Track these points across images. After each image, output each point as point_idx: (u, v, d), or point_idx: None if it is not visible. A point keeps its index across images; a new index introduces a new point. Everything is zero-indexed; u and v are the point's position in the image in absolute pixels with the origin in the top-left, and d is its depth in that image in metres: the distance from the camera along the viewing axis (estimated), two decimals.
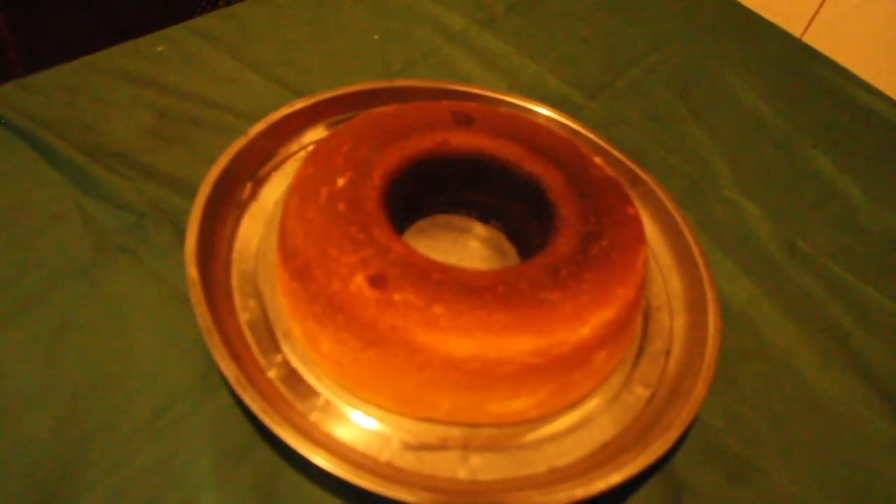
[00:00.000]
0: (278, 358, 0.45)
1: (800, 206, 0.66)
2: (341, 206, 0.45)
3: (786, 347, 0.54)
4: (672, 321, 0.52)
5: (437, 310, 0.41)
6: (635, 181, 0.59)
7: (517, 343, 0.42)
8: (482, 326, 0.41)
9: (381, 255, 0.43)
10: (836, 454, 0.48)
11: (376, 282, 0.42)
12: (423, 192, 0.53)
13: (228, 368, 0.41)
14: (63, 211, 0.51)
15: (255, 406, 0.40)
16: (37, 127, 0.54)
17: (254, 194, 0.53)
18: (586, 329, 0.43)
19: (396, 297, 0.41)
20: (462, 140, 0.54)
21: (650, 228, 0.57)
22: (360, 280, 0.42)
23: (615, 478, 0.41)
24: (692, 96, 0.76)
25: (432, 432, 0.44)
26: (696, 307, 0.52)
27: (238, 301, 0.47)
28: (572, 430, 0.46)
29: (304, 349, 0.46)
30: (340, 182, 0.48)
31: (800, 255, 0.61)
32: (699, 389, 0.46)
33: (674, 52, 0.82)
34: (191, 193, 0.48)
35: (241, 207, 0.52)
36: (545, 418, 0.46)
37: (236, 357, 0.42)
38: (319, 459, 0.39)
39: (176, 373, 0.44)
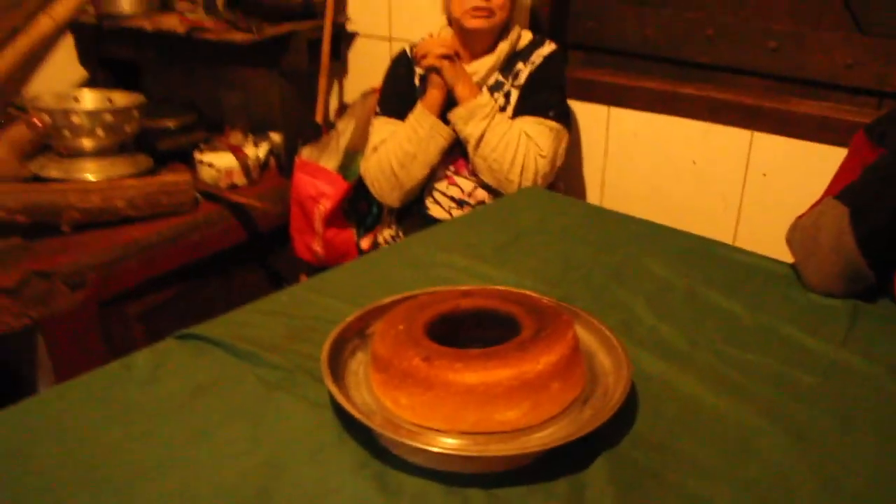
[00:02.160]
0: (377, 420, 0.83)
1: (696, 320, 1.05)
2: (402, 335, 0.86)
3: (691, 393, 0.90)
4: (607, 380, 0.88)
5: (457, 365, 0.80)
6: (580, 317, 0.98)
7: (502, 373, 0.80)
8: (482, 367, 0.80)
9: (425, 349, 0.82)
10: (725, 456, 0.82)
11: (425, 359, 0.81)
12: (448, 331, 0.93)
13: (361, 419, 0.79)
14: (243, 375, 0.93)
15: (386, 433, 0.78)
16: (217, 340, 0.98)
17: (353, 351, 0.94)
18: (540, 365, 0.81)
19: (436, 363, 0.80)
20: (466, 303, 0.95)
21: (592, 340, 0.95)
22: (417, 360, 0.82)
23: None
24: (623, 276, 1.18)
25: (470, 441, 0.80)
26: (618, 370, 0.88)
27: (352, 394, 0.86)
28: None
29: (391, 410, 0.83)
30: (400, 327, 0.89)
31: (701, 345, 0.99)
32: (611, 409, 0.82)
33: (609, 255, 1.26)
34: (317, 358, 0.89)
35: (346, 360, 0.92)
36: (531, 429, 0.81)
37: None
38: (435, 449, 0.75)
39: (330, 452, 0.82)
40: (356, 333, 0.97)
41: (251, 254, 2.18)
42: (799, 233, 1.19)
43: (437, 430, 0.80)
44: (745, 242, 1.66)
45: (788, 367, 0.97)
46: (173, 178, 2.08)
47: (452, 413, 0.80)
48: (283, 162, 2.34)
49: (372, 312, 0.99)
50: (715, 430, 0.85)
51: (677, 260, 1.26)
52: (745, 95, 1.75)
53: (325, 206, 2.02)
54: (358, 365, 0.92)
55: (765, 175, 1.70)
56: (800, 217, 1.21)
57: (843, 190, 1.14)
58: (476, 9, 1.72)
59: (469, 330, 0.95)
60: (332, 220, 2.04)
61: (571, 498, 0.75)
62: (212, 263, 2.07)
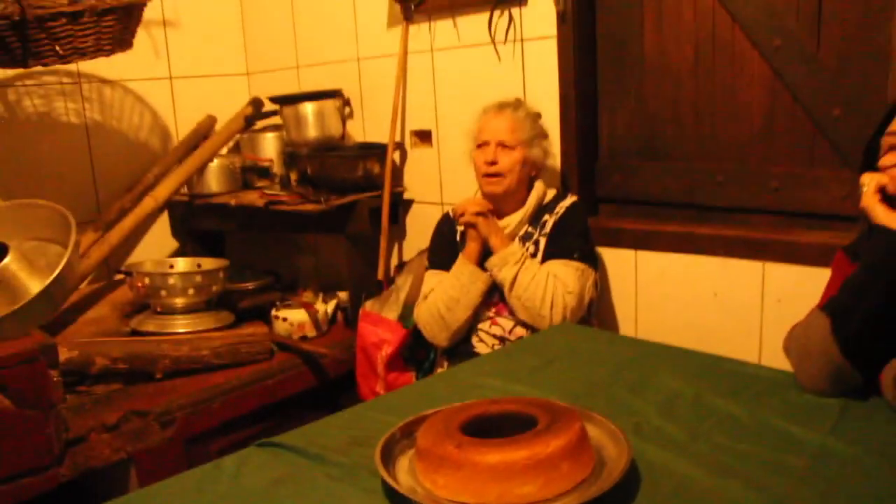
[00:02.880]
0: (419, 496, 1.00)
1: (699, 419, 1.20)
2: (440, 431, 1.05)
3: (688, 474, 1.05)
4: (613, 465, 1.05)
5: (482, 449, 0.99)
6: (592, 418, 1.15)
7: (518, 454, 0.98)
8: (502, 450, 0.98)
9: (457, 440, 1.01)
10: None
11: (457, 446, 1.00)
12: (478, 430, 1.12)
13: (408, 494, 0.97)
14: (312, 471, 1.12)
15: None
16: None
17: (402, 450, 1.13)
18: (550, 448, 0.99)
19: (465, 448, 0.99)
20: (494, 408, 1.14)
21: (601, 435, 1.12)
22: (450, 447, 1.01)
23: None
24: (638, 389, 1.35)
25: None
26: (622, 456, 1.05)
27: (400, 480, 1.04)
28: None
29: (431, 490, 1.01)
30: (439, 426, 1.08)
31: (700, 438, 1.15)
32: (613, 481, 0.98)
33: (629, 373, 1.43)
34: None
35: (395, 457, 1.11)
36: (546, 501, 0.98)
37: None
38: None
39: None
40: (404, 435, 1.16)
41: (321, 397, 2.39)
42: (793, 341, 1.35)
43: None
44: (769, 363, 1.79)
45: (779, 453, 1.11)
46: (252, 330, 2.35)
47: (479, 488, 0.98)
48: (349, 315, 2.60)
49: (417, 420, 1.18)
50: (706, 501, 1.00)
51: (689, 374, 1.42)
52: (755, 231, 1.95)
53: (386, 352, 2.24)
54: (406, 460, 1.11)
55: (779, 301, 1.86)
56: (794, 327, 1.37)
57: (826, 302, 1.31)
58: (486, 175, 2.02)
59: (495, 428, 1.13)
60: (393, 364, 2.26)
61: None
62: (286, 406, 2.28)
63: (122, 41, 2.07)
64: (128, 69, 2.75)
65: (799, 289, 1.80)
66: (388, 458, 1.09)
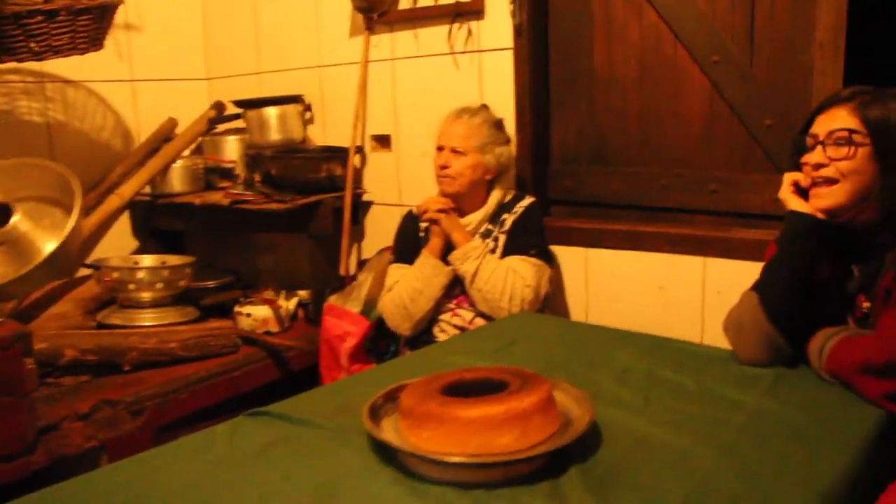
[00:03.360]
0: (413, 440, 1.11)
1: (650, 387, 1.34)
2: (423, 393, 1.16)
3: (643, 431, 1.19)
4: (578, 423, 1.17)
5: (464, 405, 1.11)
6: (557, 385, 1.28)
7: (496, 408, 1.10)
8: (481, 405, 1.10)
9: (440, 399, 1.13)
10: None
11: (440, 404, 1.12)
12: (456, 393, 1.23)
13: (398, 445, 1.08)
14: (302, 433, 1.22)
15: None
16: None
17: (386, 413, 1.24)
18: (524, 403, 1.11)
19: (448, 405, 1.11)
20: (469, 375, 1.26)
21: (566, 399, 1.24)
22: (434, 405, 1.12)
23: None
24: (594, 365, 1.48)
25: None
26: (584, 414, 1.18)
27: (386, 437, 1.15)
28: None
29: (416, 444, 1.12)
30: (421, 390, 1.19)
31: (653, 402, 1.28)
32: (578, 433, 1.11)
33: (584, 351, 1.57)
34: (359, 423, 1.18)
35: (381, 419, 1.22)
36: (521, 451, 1.10)
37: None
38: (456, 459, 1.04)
39: (373, 474, 1.11)
40: (387, 401, 1.26)
41: (285, 389, 2.45)
42: (729, 320, 1.51)
43: (451, 454, 1.08)
44: None
45: (722, 412, 1.26)
46: (218, 324, 2.42)
47: (462, 440, 1.09)
48: (311, 312, 2.69)
49: (397, 388, 1.29)
50: (659, 450, 1.14)
51: (639, 351, 1.57)
52: (696, 230, 2.12)
53: (350, 344, 2.34)
54: (389, 423, 1.21)
55: (719, 293, 2.03)
56: (731, 310, 1.53)
57: (754, 283, 1.48)
58: (440, 176, 2.17)
59: (472, 392, 1.25)
60: (356, 356, 2.35)
61: (551, 494, 1.03)
62: (251, 398, 2.34)
63: (96, 41, 2.13)
64: (91, 70, 2.79)
65: (736, 281, 1.94)
66: (374, 420, 1.19)
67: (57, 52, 2.03)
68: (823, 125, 1.42)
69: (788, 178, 1.49)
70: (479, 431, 1.09)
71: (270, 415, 1.32)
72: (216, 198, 2.64)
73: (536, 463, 1.09)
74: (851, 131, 1.36)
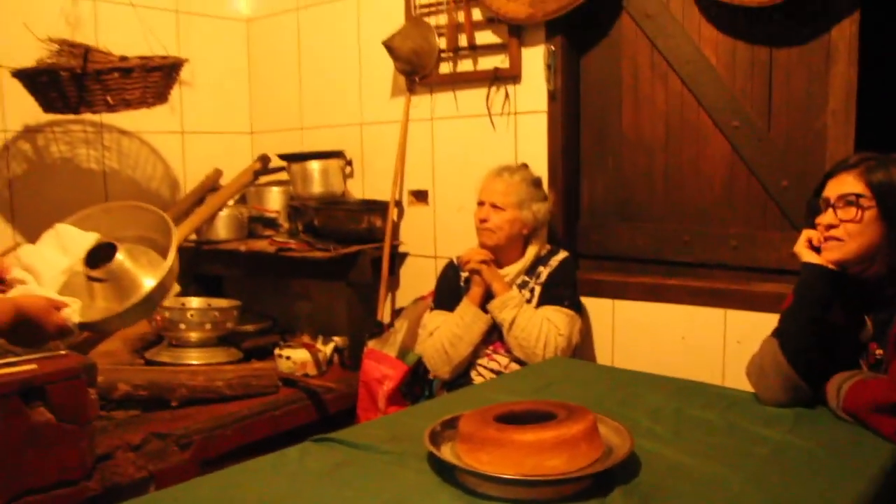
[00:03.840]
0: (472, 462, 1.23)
1: (680, 423, 1.46)
2: (480, 420, 1.29)
3: (675, 459, 1.30)
4: (618, 451, 1.29)
5: (519, 431, 1.23)
6: (598, 417, 1.40)
7: (547, 434, 1.22)
8: (534, 431, 1.23)
9: (496, 425, 1.25)
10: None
11: (497, 430, 1.24)
12: (508, 422, 1.36)
13: (459, 464, 1.21)
14: (365, 456, 1.34)
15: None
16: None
17: (444, 440, 1.36)
18: (572, 431, 1.24)
19: (504, 431, 1.23)
20: (518, 406, 1.39)
21: (607, 430, 1.36)
22: (492, 430, 1.25)
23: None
24: (627, 403, 1.60)
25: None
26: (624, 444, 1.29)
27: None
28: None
29: (475, 467, 1.24)
30: (478, 418, 1.32)
31: (683, 435, 1.40)
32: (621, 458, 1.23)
33: (617, 392, 1.68)
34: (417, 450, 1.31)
35: (439, 446, 1.34)
36: (569, 472, 1.22)
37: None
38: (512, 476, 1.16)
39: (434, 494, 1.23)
40: (444, 428, 1.38)
41: (323, 430, 2.58)
42: (752, 366, 1.63)
43: (507, 475, 1.20)
44: None
45: (748, 445, 1.38)
46: (260, 365, 2.55)
47: (517, 461, 1.21)
48: (346, 357, 2.82)
49: (453, 419, 1.41)
50: (692, 476, 1.25)
51: (669, 393, 1.69)
52: (717, 283, 2.26)
53: (388, 386, 2.46)
54: (447, 448, 1.33)
55: (739, 342, 2.15)
56: (753, 356, 1.66)
57: (774, 330, 1.61)
58: (480, 229, 2.32)
59: (523, 421, 1.37)
60: (393, 398, 2.47)
61: None
62: (291, 436, 2.46)
63: (162, 95, 2.32)
64: (145, 122, 2.98)
65: (756, 331, 2.07)
66: (433, 444, 1.32)
67: (129, 104, 2.21)
68: (833, 189, 1.56)
69: (805, 234, 1.63)
70: (532, 454, 1.21)
71: (334, 441, 1.44)
72: (261, 245, 2.80)
73: (583, 483, 1.21)
74: (858, 196, 1.51)
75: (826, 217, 1.56)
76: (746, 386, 1.66)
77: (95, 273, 1.89)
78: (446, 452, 1.31)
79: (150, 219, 1.97)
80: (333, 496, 1.21)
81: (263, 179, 3.16)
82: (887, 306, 1.53)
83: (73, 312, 1.71)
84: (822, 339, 1.56)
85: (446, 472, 1.26)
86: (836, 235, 1.54)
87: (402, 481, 1.26)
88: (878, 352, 1.53)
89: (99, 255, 1.92)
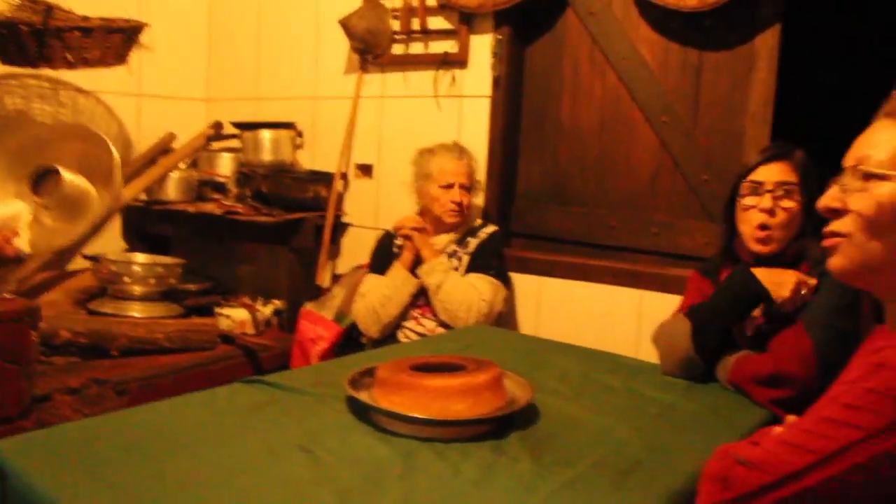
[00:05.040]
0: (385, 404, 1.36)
1: (584, 385, 1.61)
2: (395, 368, 1.41)
3: (574, 413, 1.44)
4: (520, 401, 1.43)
5: (429, 377, 1.36)
6: (505, 373, 1.53)
7: (454, 381, 1.35)
8: (444, 378, 1.35)
9: (409, 372, 1.38)
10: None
11: (410, 375, 1.37)
12: (422, 370, 1.48)
13: (373, 404, 1.33)
14: (291, 397, 1.45)
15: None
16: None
17: (363, 386, 1.47)
18: (477, 379, 1.37)
19: (416, 376, 1.36)
20: (433, 359, 1.51)
21: (512, 384, 1.50)
22: (405, 375, 1.37)
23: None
24: (538, 366, 1.74)
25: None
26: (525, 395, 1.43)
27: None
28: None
29: (387, 406, 1.36)
30: (394, 366, 1.44)
31: (585, 395, 1.54)
32: (520, 405, 1.37)
33: (530, 357, 1.82)
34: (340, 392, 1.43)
35: (358, 389, 1.46)
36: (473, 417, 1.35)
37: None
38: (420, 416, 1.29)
39: (351, 429, 1.35)
40: (363, 376, 1.50)
41: None
42: (661, 337, 1.77)
43: (415, 415, 1.33)
44: None
45: (642, 404, 1.52)
46: (200, 320, 2.64)
47: (425, 404, 1.33)
48: (284, 319, 2.91)
49: (372, 368, 1.53)
50: (585, 427, 1.39)
51: (579, 359, 1.83)
52: (637, 266, 2.42)
53: (321, 346, 2.57)
54: (365, 393, 1.45)
55: (653, 322, 2.27)
56: (662, 324, 1.80)
57: (690, 309, 1.74)
58: (453, 211, 2.45)
59: (436, 370, 1.50)
60: (325, 358, 2.57)
61: (494, 449, 1.27)
62: None
63: (122, 57, 2.38)
64: (102, 82, 3.01)
65: (669, 312, 2.25)
66: (353, 388, 1.43)
67: (88, 63, 2.27)
68: (768, 175, 1.68)
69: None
70: (439, 398, 1.34)
71: (263, 382, 1.55)
72: (209, 207, 2.88)
73: (484, 427, 1.34)
74: (795, 184, 1.66)
75: (764, 201, 1.67)
76: (657, 360, 1.80)
77: (42, 199, 1.96)
78: (364, 396, 1.42)
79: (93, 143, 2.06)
80: (257, 429, 1.31)
81: (216, 145, 3.23)
82: None
83: (24, 242, 1.79)
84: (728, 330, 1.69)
85: (362, 413, 1.38)
86: (780, 221, 1.66)
87: (321, 419, 1.37)
88: (759, 320, 1.68)
89: (44, 181, 2.01)
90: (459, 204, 2.45)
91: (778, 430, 0.98)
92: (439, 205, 2.47)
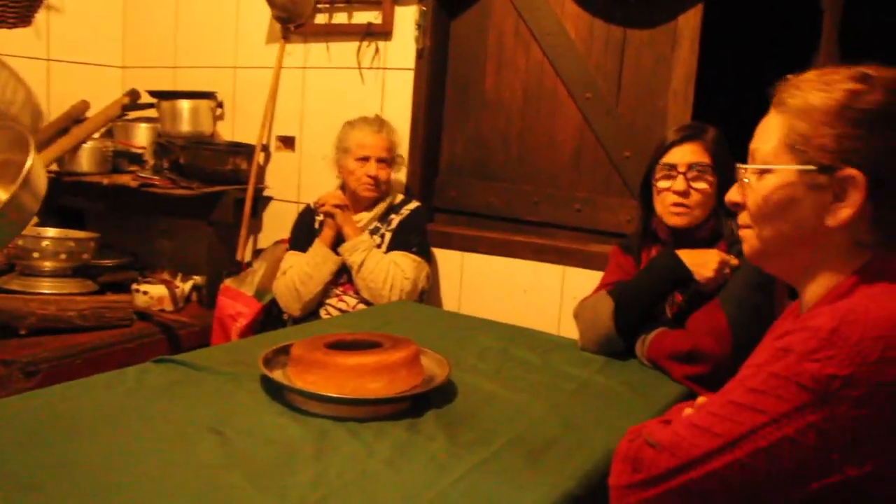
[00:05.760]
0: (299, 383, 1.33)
1: (503, 361, 1.61)
2: (310, 345, 1.39)
3: (491, 390, 1.44)
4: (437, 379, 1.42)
5: (344, 354, 1.34)
6: (424, 351, 1.52)
7: (369, 359, 1.34)
8: (359, 356, 1.34)
9: (324, 350, 1.36)
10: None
11: (324, 353, 1.35)
12: (338, 348, 1.46)
13: (286, 384, 1.30)
14: (203, 376, 1.41)
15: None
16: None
17: (277, 364, 1.45)
18: (392, 357, 1.35)
19: (330, 354, 1.34)
20: (349, 336, 1.49)
21: (430, 363, 1.49)
22: (319, 354, 1.35)
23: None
24: (459, 343, 1.74)
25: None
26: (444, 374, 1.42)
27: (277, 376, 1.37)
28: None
29: (301, 385, 1.34)
30: (308, 344, 1.42)
31: (503, 372, 1.55)
32: (437, 384, 1.36)
33: (452, 333, 1.82)
34: (253, 372, 1.40)
35: (272, 368, 1.43)
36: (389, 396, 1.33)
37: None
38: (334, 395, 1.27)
39: (264, 408, 1.32)
40: (277, 355, 1.47)
41: None
42: (583, 311, 1.78)
43: (329, 394, 1.31)
44: None
45: (559, 381, 1.54)
46: (115, 297, 2.55)
47: (340, 383, 1.32)
48: (204, 296, 2.84)
49: (287, 346, 1.50)
50: (502, 404, 1.40)
51: (499, 335, 1.84)
52: (560, 242, 2.44)
53: (241, 323, 2.52)
54: (279, 372, 1.42)
55: (575, 298, 2.30)
56: (584, 299, 1.82)
57: (614, 288, 1.76)
58: (368, 185, 2.42)
59: (351, 348, 1.48)
60: (245, 335, 2.53)
61: (410, 427, 1.26)
62: None
63: (25, 17, 2.26)
64: (7, 45, 2.86)
65: (590, 287, 2.27)
66: (267, 368, 1.41)
67: None
68: (680, 157, 1.70)
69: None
70: (354, 377, 1.32)
71: (174, 362, 1.50)
72: (124, 180, 2.77)
73: (400, 405, 1.33)
74: (707, 165, 1.68)
75: (677, 184, 1.69)
76: (578, 336, 1.82)
77: None
78: (278, 375, 1.40)
79: (8, 136, 1.94)
80: (166, 411, 1.28)
81: (132, 115, 3.11)
82: None
83: None
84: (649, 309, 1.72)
85: (276, 392, 1.36)
86: (695, 202, 1.68)
87: (233, 399, 1.34)
88: (678, 298, 1.71)
89: None
90: (375, 178, 2.43)
91: (688, 410, 0.99)
92: (354, 178, 2.45)
